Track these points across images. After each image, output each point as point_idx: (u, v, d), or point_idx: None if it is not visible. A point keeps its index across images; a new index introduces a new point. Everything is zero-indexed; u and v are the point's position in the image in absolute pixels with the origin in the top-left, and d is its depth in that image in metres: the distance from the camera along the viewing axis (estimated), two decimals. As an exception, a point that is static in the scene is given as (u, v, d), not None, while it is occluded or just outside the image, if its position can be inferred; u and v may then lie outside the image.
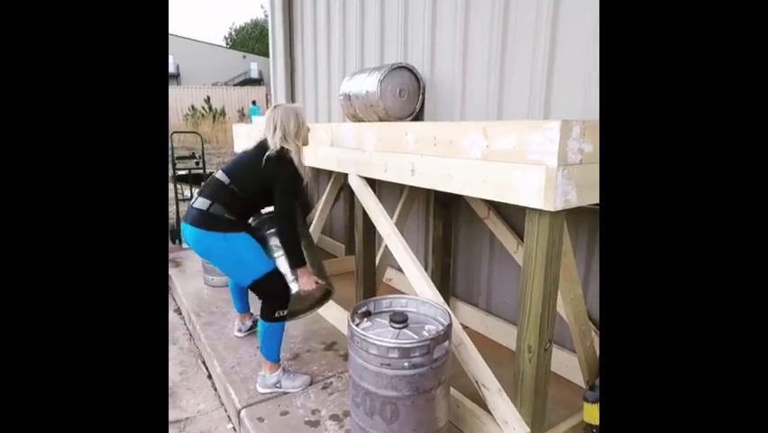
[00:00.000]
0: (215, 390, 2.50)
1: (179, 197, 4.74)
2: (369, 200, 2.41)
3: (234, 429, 2.18)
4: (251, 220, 2.35)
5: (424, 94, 2.99)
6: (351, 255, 3.95)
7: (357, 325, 1.69)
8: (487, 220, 2.66)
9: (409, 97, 2.98)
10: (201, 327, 2.94)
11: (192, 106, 21.38)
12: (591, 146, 1.48)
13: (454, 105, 2.78)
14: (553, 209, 1.43)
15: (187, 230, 2.09)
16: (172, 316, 3.44)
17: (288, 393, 2.20)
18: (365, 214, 2.49)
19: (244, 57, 33.07)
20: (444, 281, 2.99)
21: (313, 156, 2.88)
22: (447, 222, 2.91)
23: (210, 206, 2.06)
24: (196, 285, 3.68)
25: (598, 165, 1.48)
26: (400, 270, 2.51)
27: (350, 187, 2.60)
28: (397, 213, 2.74)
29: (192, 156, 4.53)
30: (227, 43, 44.11)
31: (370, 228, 2.54)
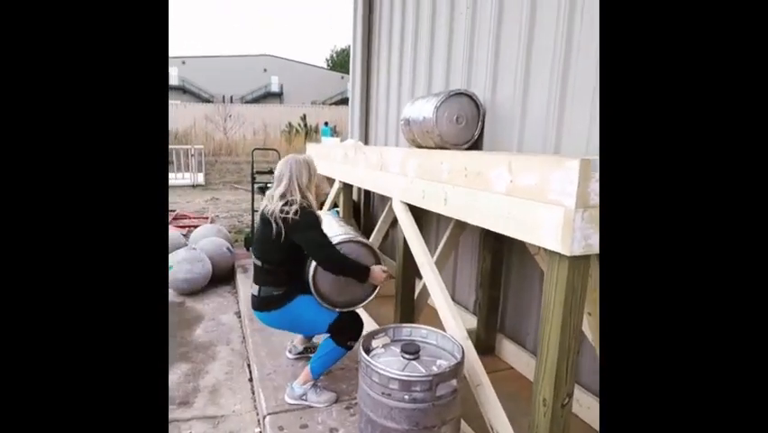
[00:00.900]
0: (253, 393, 2.63)
1: (255, 208, 5.12)
2: (408, 226, 2.42)
3: (260, 434, 2.28)
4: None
5: (483, 121, 2.95)
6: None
7: (370, 350, 1.70)
8: (537, 256, 2.52)
9: (467, 124, 2.94)
10: (251, 331, 3.12)
11: (289, 123, 23.01)
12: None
13: (513, 134, 2.70)
14: (569, 253, 1.33)
15: (255, 314, 2.35)
16: (232, 318, 3.70)
17: (312, 407, 2.26)
18: (405, 239, 2.51)
19: (342, 77, 35.04)
20: (491, 317, 2.86)
21: (363, 177, 2.96)
22: (498, 255, 2.81)
23: (259, 290, 2.27)
24: (257, 291, 3.91)
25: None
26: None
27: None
28: (443, 241, 2.71)
29: (270, 171, 4.91)
30: (328, 65, 47.05)
31: (409, 254, 2.55)
